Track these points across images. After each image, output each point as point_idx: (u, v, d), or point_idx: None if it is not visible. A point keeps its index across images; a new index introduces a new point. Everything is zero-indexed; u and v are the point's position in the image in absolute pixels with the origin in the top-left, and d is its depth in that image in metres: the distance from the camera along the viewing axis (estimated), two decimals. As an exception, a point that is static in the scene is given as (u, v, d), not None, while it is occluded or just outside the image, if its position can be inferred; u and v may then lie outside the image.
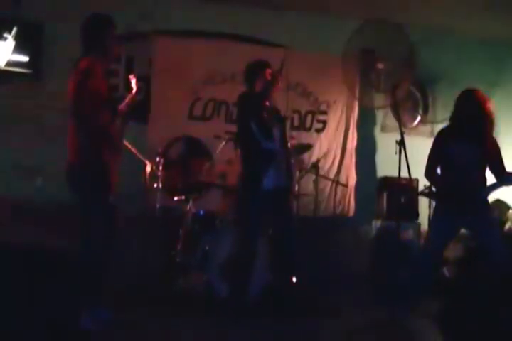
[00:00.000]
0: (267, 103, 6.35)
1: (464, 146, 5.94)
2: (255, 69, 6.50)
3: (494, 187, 6.00)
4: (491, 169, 6.05)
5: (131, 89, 5.95)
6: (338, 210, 8.75)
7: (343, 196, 8.87)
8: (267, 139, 6.16)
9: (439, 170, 6.21)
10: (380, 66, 8.23)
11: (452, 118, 6.11)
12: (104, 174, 5.31)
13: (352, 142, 9.01)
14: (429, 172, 6.20)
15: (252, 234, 6.19)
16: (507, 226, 8.13)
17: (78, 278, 5.27)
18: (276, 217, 6.28)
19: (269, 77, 6.39)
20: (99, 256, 5.35)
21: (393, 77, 8.03)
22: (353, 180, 8.99)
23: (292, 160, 6.79)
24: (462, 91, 6.10)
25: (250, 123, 6.12)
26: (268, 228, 6.70)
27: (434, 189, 6.51)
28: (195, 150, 7.50)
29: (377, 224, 8.37)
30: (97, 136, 5.34)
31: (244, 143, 6.32)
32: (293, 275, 6.38)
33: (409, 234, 7.95)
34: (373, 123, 9.24)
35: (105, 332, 5.21)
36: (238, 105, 6.51)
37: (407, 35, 7.94)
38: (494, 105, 6.07)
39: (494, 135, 6.11)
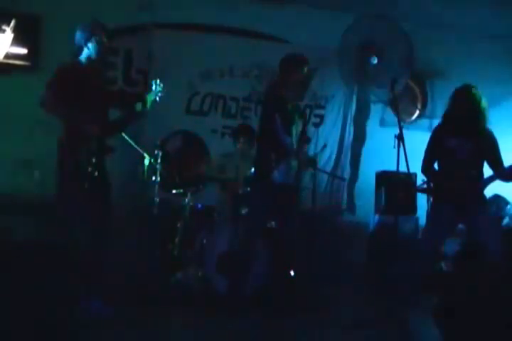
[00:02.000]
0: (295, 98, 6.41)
1: (461, 141, 5.98)
2: (294, 64, 6.45)
3: (489, 180, 6.04)
4: (488, 163, 6.08)
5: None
6: (333, 203, 8.76)
7: (338, 189, 8.90)
8: (287, 135, 6.20)
9: (435, 166, 6.24)
10: (374, 61, 8.23)
11: (447, 115, 6.16)
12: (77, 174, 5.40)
13: (349, 136, 9.03)
14: (426, 168, 6.25)
15: (256, 227, 6.21)
16: (505, 221, 8.13)
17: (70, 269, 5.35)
18: (280, 213, 6.30)
19: (303, 76, 6.38)
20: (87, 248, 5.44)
21: (391, 72, 8.03)
22: (347, 173, 9.04)
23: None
24: (456, 88, 6.14)
25: (276, 118, 6.12)
26: (267, 221, 6.74)
27: (431, 184, 6.52)
28: (193, 144, 7.50)
29: (375, 218, 8.38)
30: (73, 136, 5.45)
31: (265, 136, 6.31)
32: (290, 271, 6.38)
33: (407, 228, 7.95)
34: (372, 117, 9.25)
35: (102, 325, 5.23)
36: (266, 95, 6.57)
37: (403, 29, 7.95)
38: (489, 101, 6.10)
39: (489, 129, 6.13)
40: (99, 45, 5.73)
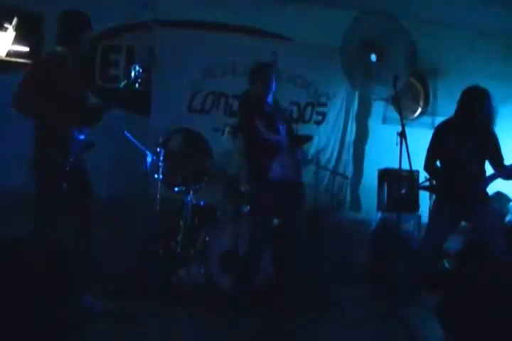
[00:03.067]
0: (269, 100, 6.40)
1: (463, 140, 5.98)
2: (259, 73, 6.50)
3: (491, 178, 6.05)
4: (489, 162, 6.09)
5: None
6: (336, 201, 8.76)
7: (341, 187, 8.90)
8: (273, 133, 6.20)
9: (438, 163, 6.25)
10: (374, 58, 8.23)
11: (454, 114, 6.17)
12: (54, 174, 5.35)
13: (351, 134, 9.03)
14: (429, 166, 6.26)
15: (261, 228, 6.21)
16: (507, 218, 8.14)
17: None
18: (282, 212, 6.30)
19: (269, 78, 6.43)
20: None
21: (393, 69, 8.03)
22: (350, 171, 9.04)
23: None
24: (464, 90, 6.13)
25: (254, 119, 6.14)
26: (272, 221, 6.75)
27: (434, 182, 6.53)
28: (195, 142, 7.50)
29: (377, 215, 8.38)
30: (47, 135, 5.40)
31: (249, 137, 6.33)
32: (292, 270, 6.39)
33: (409, 225, 7.96)
34: (374, 114, 9.25)
35: (104, 323, 5.25)
36: (240, 104, 6.62)
37: (404, 26, 7.96)
38: (495, 100, 6.10)
39: (493, 128, 6.14)
40: (87, 41, 5.71)
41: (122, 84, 5.97)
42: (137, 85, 5.99)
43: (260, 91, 6.39)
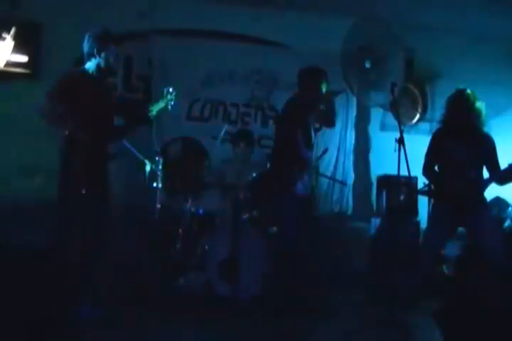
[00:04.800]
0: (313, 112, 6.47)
1: (460, 145, 6.05)
2: (311, 78, 6.51)
3: (487, 182, 6.08)
4: (485, 166, 6.13)
5: None
6: (336, 208, 8.77)
7: (340, 194, 8.88)
8: (307, 148, 6.25)
9: (436, 169, 6.28)
10: (368, 64, 8.24)
11: (443, 118, 6.23)
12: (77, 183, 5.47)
13: (350, 141, 9.04)
14: (427, 171, 6.31)
15: (294, 237, 6.24)
16: (506, 223, 8.14)
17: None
18: (301, 224, 6.32)
19: (322, 89, 6.46)
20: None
21: (390, 75, 8.04)
22: (350, 178, 9.03)
23: None
24: (452, 93, 6.20)
25: (297, 132, 6.18)
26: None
27: (432, 187, 6.55)
28: (193, 150, 7.52)
29: (376, 222, 8.37)
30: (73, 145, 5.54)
31: (284, 149, 6.36)
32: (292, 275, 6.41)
33: (408, 231, 7.96)
34: (373, 121, 9.26)
35: (104, 332, 5.25)
36: (286, 111, 6.57)
37: (400, 33, 7.99)
38: (486, 105, 6.15)
39: (487, 132, 6.18)
40: (113, 55, 5.85)
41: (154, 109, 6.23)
42: (170, 107, 6.38)
43: (310, 99, 6.41)
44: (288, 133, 6.35)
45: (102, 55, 5.76)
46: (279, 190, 6.38)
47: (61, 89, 5.56)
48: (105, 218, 5.80)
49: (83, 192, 5.45)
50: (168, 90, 6.31)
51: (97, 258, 5.70)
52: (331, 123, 6.86)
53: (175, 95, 6.33)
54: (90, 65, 5.79)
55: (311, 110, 6.47)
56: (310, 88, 6.46)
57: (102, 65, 5.80)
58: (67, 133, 5.55)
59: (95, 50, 5.74)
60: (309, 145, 6.43)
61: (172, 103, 6.32)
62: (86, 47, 5.78)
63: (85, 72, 5.78)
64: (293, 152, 6.27)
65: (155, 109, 6.16)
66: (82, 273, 5.51)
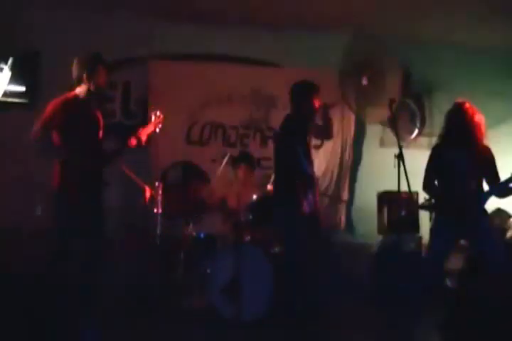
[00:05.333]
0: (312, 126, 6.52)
1: (459, 158, 6.02)
2: (304, 92, 6.53)
3: (487, 195, 6.07)
4: (485, 179, 6.12)
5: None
6: (331, 224, 8.74)
7: (337, 211, 8.91)
8: (308, 163, 6.26)
9: (436, 183, 6.27)
10: (365, 81, 8.25)
11: (443, 131, 6.24)
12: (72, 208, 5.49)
13: (349, 158, 9.04)
14: (427, 185, 6.30)
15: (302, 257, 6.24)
16: (508, 234, 8.12)
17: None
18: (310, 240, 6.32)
19: (316, 102, 6.48)
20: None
21: (388, 91, 8.06)
22: (346, 195, 9.04)
23: None
24: (451, 107, 6.21)
25: (296, 147, 6.20)
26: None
27: (433, 201, 6.54)
28: (193, 174, 7.54)
29: (378, 238, 8.38)
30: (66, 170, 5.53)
31: (288, 168, 6.38)
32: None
33: (410, 246, 7.96)
34: (372, 138, 9.27)
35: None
36: (283, 127, 6.58)
37: (394, 49, 8.03)
38: (485, 116, 6.15)
39: (486, 143, 6.18)
40: (103, 79, 5.82)
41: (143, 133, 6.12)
42: (157, 130, 6.27)
43: (305, 112, 6.45)
44: (288, 148, 6.35)
45: (92, 79, 5.72)
46: (286, 210, 6.39)
47: (52, 115, 5.51)
48: (100, 241, 5.72)
49: (80, 220, 5.45)
50: (155, 114, 6.27)
51: (94, 282, 5.65)
52: (328, 136, 6.87)
53: (162, 118, 6.27)
54: (80, 90, 5.73)
55: (307, 123, 6.48)
56: (303, 102, 6.48)
57: (92, 89, 5.74)
58: (58, 158, 5.53)
59: (85, 74, 5.70)
60: (309, 160, 6.43)
61: (160, 126, 6.26)
62: (75, 71, 5.74)
63: (76, 97, 5.71)
64: (294, 167, 6.27)
65: (144, 134, 6.12)
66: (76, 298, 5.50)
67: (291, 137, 6.35)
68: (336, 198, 8.74)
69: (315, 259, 6.32)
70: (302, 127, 6.43)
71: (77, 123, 5.56)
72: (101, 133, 5.89)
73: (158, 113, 6.27)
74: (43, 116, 5.52)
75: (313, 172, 6.50)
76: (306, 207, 6.19)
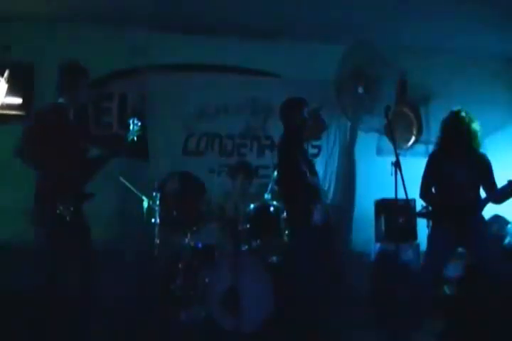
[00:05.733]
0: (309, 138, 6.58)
1: (456, 166, 6.04)
2: (293, 106, 6.59)
3: (484, 202, 6.08)
4: (482, 186, 6.13)
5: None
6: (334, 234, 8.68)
7: (338, 220, 8.75)
8: (312, 175, 6.28)
9: (433, 190, 6.28)
10: (361, 90, 8.26)
11: (439, 140, 6.25)
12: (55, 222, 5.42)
13: (346, 166, 9.04)
14: (424, 193, 6.32)
15: (305, 273, 6.24)
16: (506, 241, 8.13)
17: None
18: (319, 254, 6.33)
19: (305, 115, 6.54)
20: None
21: (384, 100, 8.08)
22: (347, 203, 9.02)
23: None
24: (447, 115, 6.23)
25: (300, 162, 6.22)
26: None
27: (430, 209, 6.54)
28: (191, 185, 7.53)
29: (376, 246, 8.38)
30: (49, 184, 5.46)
31: (292, 180, 6.40)
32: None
33: (408, 254, 7.96)
34: (368, 146, 9.26)
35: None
36: (281, 144, 6.67)
37: (390, 57, 8.04)
38: (481, 124, 6.16)
39: (482, 152, 6.20)
40: (81, 88, 5.75)
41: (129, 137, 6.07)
42: (135, 138, 6.11)
43: (297, 128, 6.50)
44: (289, 162, 6.38)
45: (71, 89, 5.67)
46: (297, 223, 6.42)
47: (36, 124, 5.51)
48: (88, 252, 5.70)
49: (64, 234, 5.41)
50: (133, 121, 6.11)
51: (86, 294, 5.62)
52: (318, 136, 6.89)
53: (140, 125, 6.12)
54: (62, 100, 5.67)
55: (301, 137, 6.52)
56: (293, 116, 6.53)
57: (73, 99, 5.69)
58: (41, 171, 5.50)
59: (64, 84, 5.68)
60: (312, 171, 6.46)
61: (138, 134, 6.10)
62: (58, 80, 5.72)
63: (59, 106, 5.66)
64: (301, 183, 6.30)
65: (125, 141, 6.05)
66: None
67: (290, 150, 6.39)
68: (335, 206, 8.70)
69: (324, 270, 6.35)
70: (298, 139, 6.47)
71: (62, 133, 5.50)
72: (81, 143, 5.82)
73: (135, 120, 6.13)
74: (24, 132, 5.51)
75: (317, 182, 6.53)
76: (316, 217, 6.21)
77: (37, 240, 5.59)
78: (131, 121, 6.13)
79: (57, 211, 5.38)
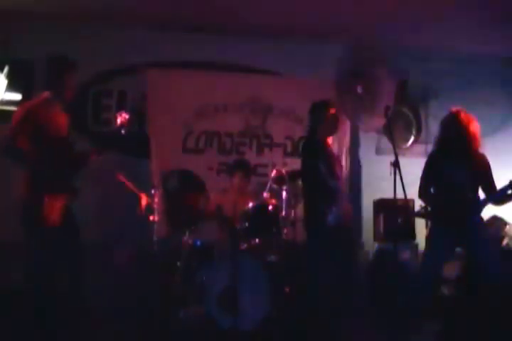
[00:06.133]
0: (329, 142, 6.65)
1: (455, 166, 6.04)
2: (320, 109, 6.67)
3: (483, 203, 6.08)
4: (481, 187, 6.13)
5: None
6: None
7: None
8: (332, 178, 6.30)
9: (432, 190, 6.28)
10: (360, 90, 8.26)
11: (438, 140, 6.25)
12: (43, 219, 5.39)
13: (345, 166, 9.02)
14: (423, 193, 6.31)
15: (319, 273, 6.28)
16: (504, 242, 8.13)
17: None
18: (336, 258, 6.32)
19: (332, 117, 6.61)
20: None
21: (383, 100, 8.06)
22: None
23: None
24: (447, 114, 6.22)
25: (319, 164, 6.24)
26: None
27: (429, 209, 6.54)
28: (189, 182, 7.52)
29: (375, 246, 8.38)
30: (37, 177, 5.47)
31: (311, 182, 6.48)
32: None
33: (407, 254, 7.96)
34: (368, 146, 9.27)
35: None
36: (304, 147, 6.74)
37: (390, 57, 8.04)
38: (480, 124, 6.16)
39: (482, 152, 6.19)
40: (68, 81, 5.77)
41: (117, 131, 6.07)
42: (123, 131, 6.06)
43: (324, 131, 6.55)
44: (310, 168, 6.42)
45: (60, 83, 5.70)
46: (311, 225, 6.46)
47: (17, 123, 5.49)
48: (76, 250, 5.70)
49: (51, 231, 5.40)
50: (120, 114, 6.09)
51: (74, 293, 5.61)
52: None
53: (127, 119, 6.07)
54: (49, 94, 5.70)
55: (325, 139, 6.59)
56: (319, 123, 6.57)
57: (62, 93, 5.72)
58: (27, 164, 5.49)
59: (52, 78, 5.74)
60: (334, 174, 6.48)
61: (126, 128, 6.05)
62: (46, 74, 5.79)
63: (46, 100, 5.67)
64: (319, 185, 6.33)
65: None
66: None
67: (312, 156, 6.42)
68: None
69: (342, 269, 6.37)
70: (322, 144, 6.51)
71: (43, 128, 5.50)
72: (67, 139, 5.80)
73: (123, 113, 6.10)
74: (10, 126, 5.50)
75: (339, 185, 6.53)
76: (330, 219, 6.23)
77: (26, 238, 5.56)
78: (118, 115, 6.11)
79: (45, 207, 5.37)
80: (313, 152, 6.47)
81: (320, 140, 6.57)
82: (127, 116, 6.08)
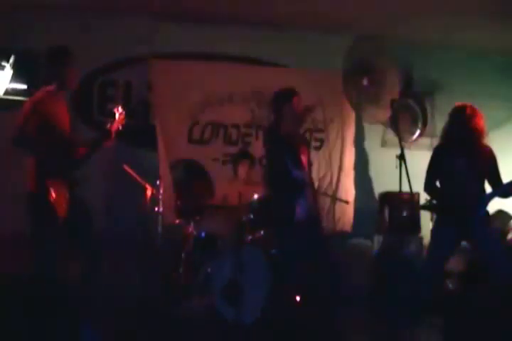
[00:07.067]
0: (295, 131, 6.55)
1: (461, 160, 6.03)
2: (283, 98, 6.56)
3: (490, 197, 6.07)
4: (487, 179, 6.11)
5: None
6: (338, 227, 8.66)
7: (343, 213, 8.77)
8: (298, 168, 6.25)
9: (438, 184, 6.27)
10: (365, 82, 8.23)
11: (444, 134, 6.23)
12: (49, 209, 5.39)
13: (350, 159, 9.02)
14: (429, 187, 6.30)
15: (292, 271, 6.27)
16: (509, 236, 8.12)
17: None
18: (310, 247, 6.30)
19: (296, 106, 6.51)
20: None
21: (389, 92, 8.03)
22: (351, 196, 8.97)
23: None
24: (453, 108, 6.20)
25: (283, 155, 6.19)
26: (269, 248, 6.74)
27: (434, 202, 6.53)
28: (195, 173, 7.51)
29: (379, 238, 8.37)
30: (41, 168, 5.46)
31: (275, 174, 6.42)
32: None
33: (411, 248, 7.96)
34: (373, 138, 9.26)
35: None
36: (267, 138, 6.69)
37: (396, 50, 8.02)
38: (486, 118, 6.14)
39: (488, 145, 6.18)
40: (70, 74, 5.77)
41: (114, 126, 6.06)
42: (120, 127, 6.12)
43: (287, 121, 6.45)
44: (276, 163, 6.38)
45: (58, 74, 5.71)
46: (280, 222, 6.43)
47: (25, 118, 5.50)
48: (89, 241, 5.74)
49: (59, 221, 5.42)
50: (118, 110, 6.12)
51: (86, 282, 5.65)
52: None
53: (125, 113, 6.12)
54: (52, 87, 5.70)
55: (293, 129, 6.54)
56: (283, 110, 6.49)
57: (61, 87, 5.72)
58: (33, 155, 5.51)
59: (52, 69, 5.74)
60: (300, 166, 6.42)
61: (123, 123, 6.11)
62: (46, 65, 5.81)
63: (50, 93, 5.68)
64: (285, 179, 6.28)
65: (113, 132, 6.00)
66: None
67: (276, 147, 6.37)
68: (338, 199, 8.65)
69: (314, 261, 6.33)
70: (286, 134, 6.44)
71: (49, 121, 5.54)
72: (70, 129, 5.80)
73: (120, 108, 6.13)
74: (18, 118, 5.52)
75: (306, 176, 6.49)
76: (298, 211, 6.20)
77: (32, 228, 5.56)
78: (115, 110, 6.13)
79: (51, 197, 5.37)
80: (278, 147, 6.40)
81: (282, 133, 6.48)
82: (124, 112, 6.14)
